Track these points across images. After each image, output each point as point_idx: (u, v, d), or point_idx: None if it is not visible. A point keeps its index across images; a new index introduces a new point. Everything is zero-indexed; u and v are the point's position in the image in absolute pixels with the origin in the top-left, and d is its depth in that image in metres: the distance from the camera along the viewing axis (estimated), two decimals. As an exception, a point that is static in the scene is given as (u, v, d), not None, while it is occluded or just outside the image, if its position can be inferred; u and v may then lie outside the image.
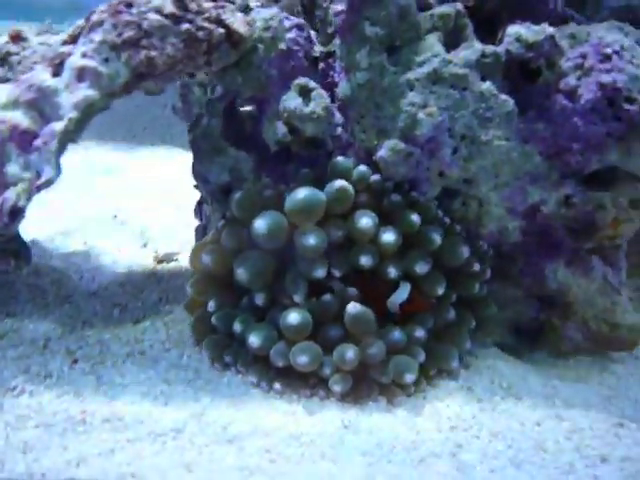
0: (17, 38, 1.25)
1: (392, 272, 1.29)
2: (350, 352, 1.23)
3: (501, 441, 1.25)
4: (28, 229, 1.77)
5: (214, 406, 1.24)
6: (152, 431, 1.15)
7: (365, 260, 1.27)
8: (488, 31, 1.38)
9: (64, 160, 1.18)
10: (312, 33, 1.38)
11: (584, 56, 1.24)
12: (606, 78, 1.20)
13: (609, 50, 1.22)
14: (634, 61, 1.23)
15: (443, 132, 1.24)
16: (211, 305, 1.33)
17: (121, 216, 1.95)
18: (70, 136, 1.11)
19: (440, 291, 1.32)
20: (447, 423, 1.28)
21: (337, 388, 1.25)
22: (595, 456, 1.25)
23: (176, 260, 1.70)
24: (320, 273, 1.28)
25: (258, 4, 1.35)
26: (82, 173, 2.31)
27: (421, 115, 1.22)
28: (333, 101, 1.32)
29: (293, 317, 1.25)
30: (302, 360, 1.24)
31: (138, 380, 1.28)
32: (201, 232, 1.51)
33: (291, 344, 1.26)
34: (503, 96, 1.25)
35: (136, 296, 1.55)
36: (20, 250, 1.28)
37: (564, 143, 1.25)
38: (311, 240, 1.24)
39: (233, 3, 1.27)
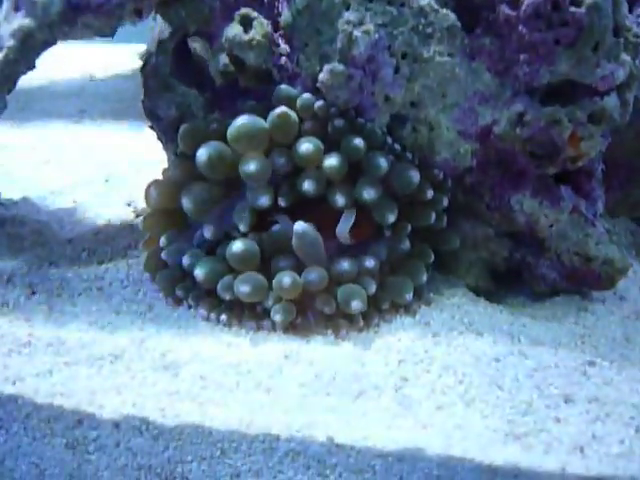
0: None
1: (339, 200, 1.22)
2: (287, 278, 1.16)
3: (452, 376, 1.15)
4: (23, 187, 1.85)
5: (158, 335, 1.22)
6: (91, 355, 1.15)
7: (308, 185, 1.21)
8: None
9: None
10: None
11: (529, -39, 1.14)
12: (549, -20, 1.09)
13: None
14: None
15: (382, 50, 1.16)
16: (162, 240, 1.30)
17: (113, 180, 1.98)
18: (13, 68, 1.12)
19: (391, 218, 1.23)
20: (396, 357, 1.19)
21: (278, 317, 1.18)
22: (558, 396, 1.12)
23: (154, 214, 1.69)
24: (264, 201, 1.23)
25: None
26: (87, 139, 2.38)
27: (357, 33, 1.15)
28: (278, 32, 1.28)
29: (236, 246, 1.21)
30: (244, 289, 1.19)
31: (89, 311, 1.28)
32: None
33: (237, 276, 1.22)
34: (444, 10, 1.16)
35: (107, 242, 1.55)
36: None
37: (511, 55, 1.15)
38: (252, 166, 1.19)
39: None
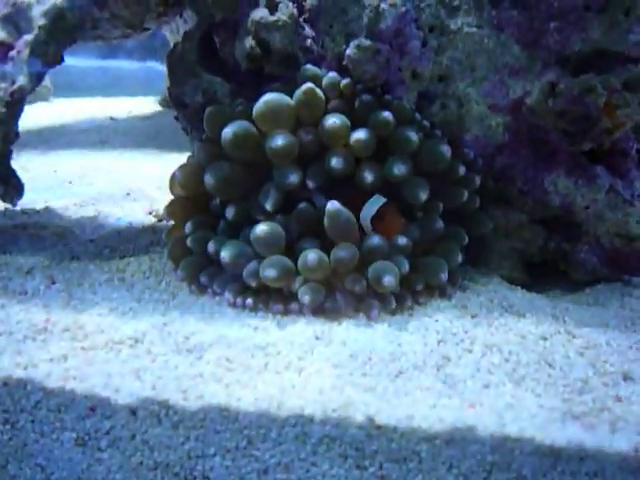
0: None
1: (368, 177, 1.13)
2: (312, 254, 1.05)
3: (497, 355, 1.01)
4: (45, 200, 1.77)
5: (181, 320, 1.09)
6: (110, 340, 1.03)
7: (335, 162, 1.12)
8: None
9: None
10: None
11: None
12: (577, -53, 1.04)
13: None
14: None
15: (409, 24, 1.11)
16: (187, 227, 1.21)
17: (134, 195, 1.90)
18: (43, 48, 1.08)
19: (423, 196, 1.13)
20: (434, 337, 1.05)
21: (307, 298, 1.06)
22: (615, 373, 0.98)
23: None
24: (292, 179, 1.13)
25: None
26: (108, 163, 2.33)
27: (384, 6, 1.10)
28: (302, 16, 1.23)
29: (260, 228, 1.10)
30: (270, 274, 1.07)
31: (110, 298, 1.16)
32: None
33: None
34: (470, -16, 1.12)
35: (129, 240, 1.45)
36: (10, 178, 1.22)
37: (541, 25, 1.09)
38: (279, 141, 1.11)
39: None
